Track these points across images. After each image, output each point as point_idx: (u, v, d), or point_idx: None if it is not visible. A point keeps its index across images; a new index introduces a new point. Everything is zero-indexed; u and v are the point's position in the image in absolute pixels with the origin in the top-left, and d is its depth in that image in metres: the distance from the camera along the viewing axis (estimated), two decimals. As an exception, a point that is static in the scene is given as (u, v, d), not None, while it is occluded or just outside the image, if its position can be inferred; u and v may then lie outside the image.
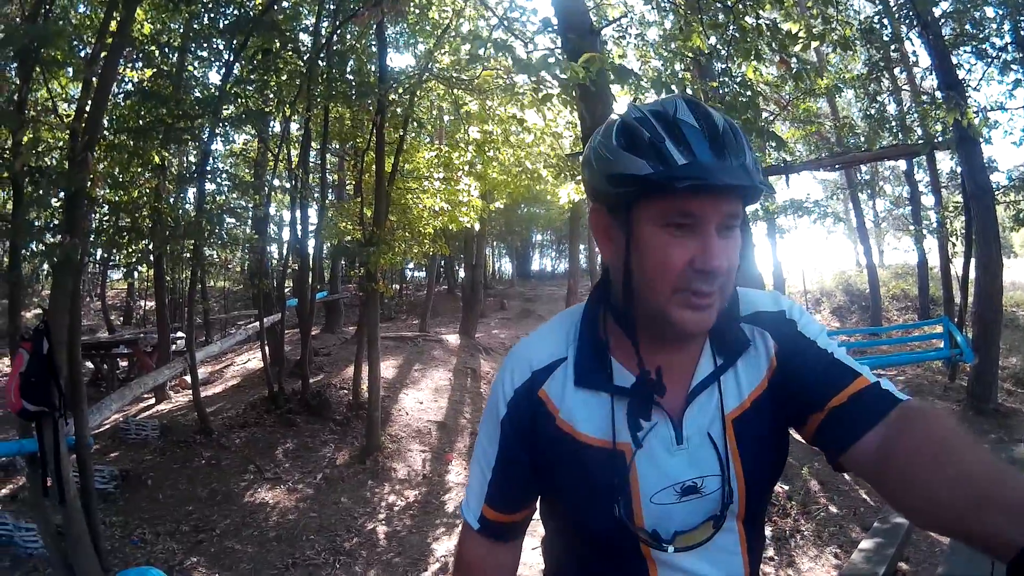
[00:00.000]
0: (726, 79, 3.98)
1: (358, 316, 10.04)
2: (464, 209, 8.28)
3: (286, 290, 8.91)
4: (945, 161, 11.56)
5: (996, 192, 8.31)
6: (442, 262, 19.81)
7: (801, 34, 4.44)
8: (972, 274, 7.96)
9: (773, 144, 4.08)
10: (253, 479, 5.43)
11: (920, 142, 8.67)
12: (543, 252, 34.54)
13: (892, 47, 9.66)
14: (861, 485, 4.81)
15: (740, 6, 4.03)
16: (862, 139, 9.95)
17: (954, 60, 8.08)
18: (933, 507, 0.64)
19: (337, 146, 9.79)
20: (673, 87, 3.41)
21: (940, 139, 8.13)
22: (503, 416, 0.86)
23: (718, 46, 4.06)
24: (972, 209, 7.41)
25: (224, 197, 7.56)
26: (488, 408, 0.90)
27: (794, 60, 4.27)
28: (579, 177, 6.47)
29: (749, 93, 3.75)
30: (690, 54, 3.76)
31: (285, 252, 9.12)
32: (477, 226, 9.51)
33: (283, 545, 4.43)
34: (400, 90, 6.58)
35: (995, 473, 0.61)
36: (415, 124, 8.00)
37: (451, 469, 6.08)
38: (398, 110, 7.05)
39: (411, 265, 22.51)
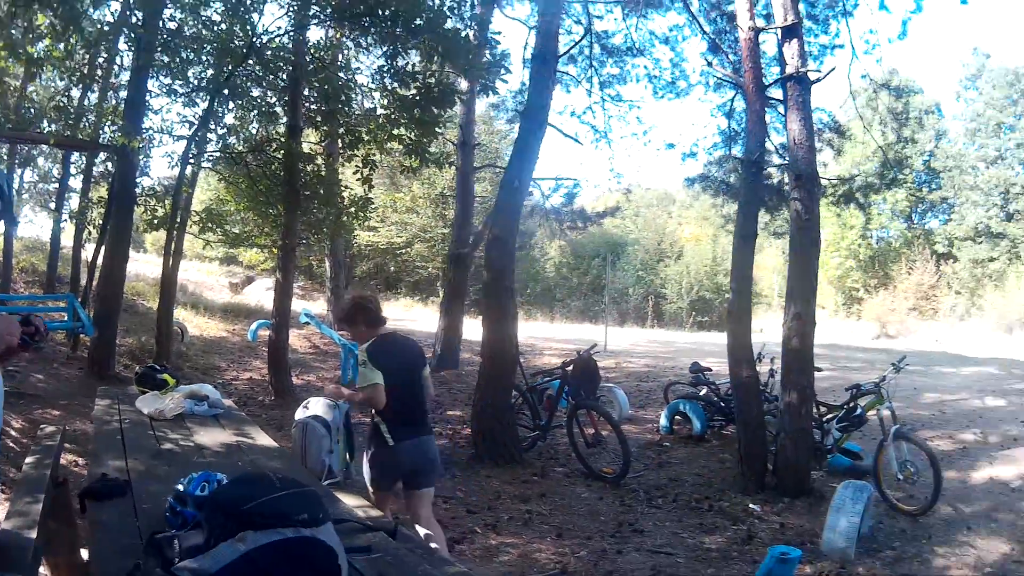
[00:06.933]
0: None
1: None
2: None
3: None
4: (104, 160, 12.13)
5: (139, 197, 9.15)
6: None
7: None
8: (100, 260, 8.79)
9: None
10: None
11: (90, 140, 9.48)
12: None
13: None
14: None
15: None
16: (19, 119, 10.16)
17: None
18: None
19: None
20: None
21: (106, 142, 9.19)
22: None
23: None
24: (114, 204, 8.28)
25: None
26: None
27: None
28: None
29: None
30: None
31: None
32: None
33: None
34: None
35: None
36: None
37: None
38: None
39: None
